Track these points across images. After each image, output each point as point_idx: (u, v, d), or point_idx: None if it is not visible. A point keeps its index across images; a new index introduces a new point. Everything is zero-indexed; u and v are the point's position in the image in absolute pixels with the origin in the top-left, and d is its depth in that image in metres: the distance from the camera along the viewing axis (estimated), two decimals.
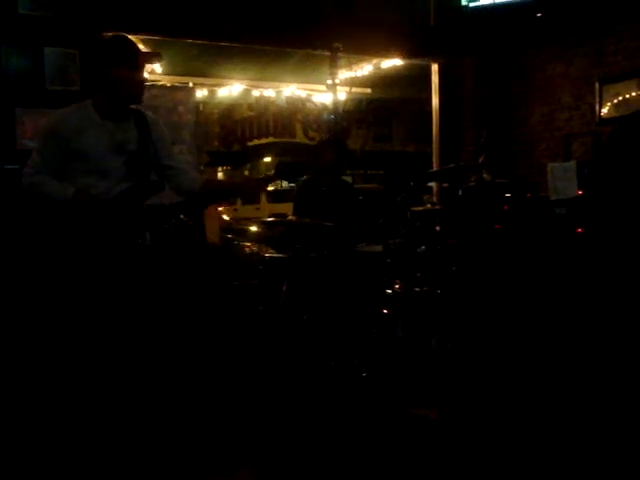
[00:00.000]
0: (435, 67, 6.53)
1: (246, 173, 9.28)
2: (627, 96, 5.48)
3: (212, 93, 7.98)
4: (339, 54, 4.66)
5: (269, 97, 8.12)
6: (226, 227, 6.19)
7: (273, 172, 3.11)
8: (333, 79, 3.30)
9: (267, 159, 8.98)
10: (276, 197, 11.74)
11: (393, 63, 6.82)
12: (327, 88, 5.07)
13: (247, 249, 5.61)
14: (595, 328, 3.53)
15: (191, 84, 6.86)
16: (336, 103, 5.62)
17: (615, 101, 5.59)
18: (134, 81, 2.84)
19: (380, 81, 7.62)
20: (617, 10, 5.45)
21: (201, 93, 7.90)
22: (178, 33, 5.68)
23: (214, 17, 5.61)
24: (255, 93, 8.12)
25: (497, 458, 2.88)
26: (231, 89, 7.95)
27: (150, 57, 3.28)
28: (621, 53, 5.51)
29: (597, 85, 5.71)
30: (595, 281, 3.83)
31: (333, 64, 3.27)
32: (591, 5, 5.49)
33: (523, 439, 2.98)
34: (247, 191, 3.50)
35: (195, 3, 5.62)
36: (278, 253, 4.23)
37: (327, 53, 4.65)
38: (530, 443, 2.95)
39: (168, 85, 6.36)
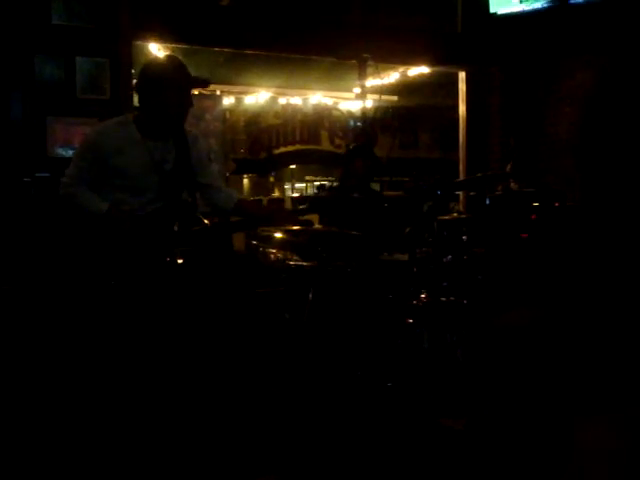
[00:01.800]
0: (462, 75, 6.50)
1: (271, 180, 9.30)
2: None
3: (239, 101, 8.04)
4: (368, 63, 4.66)
5: (295, 105, 8.15)
6: (251, 233, 6.21)
7: (306, 206, 3.14)
8: (362, 88, 3.30)
9: (292, 166, 8.99)
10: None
11: (420, 70, 6.81)
12: (355, 97, 5.07)
13: (272, 256, 5.61)
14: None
15: (218, 92, 6.92)
16: (363, 111, 5.63)
17: None
18: (180, 104, 2.85)
19: (406, 88, 7.61)
20: None
21: (228, 101, 7.97)
22: (205, 42, 5.74)
23: (240, 25, 5.66)
24: (281, 101, 8.16)
25: (522, 469, 2.85)
26: (257, 97, 8.00)
27: (198, 83, 3.25)
28: None
29: None
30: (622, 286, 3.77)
31: (362, 74, 3.27)
32: (618, 13, 5.43)
33: (545, 450, 2.95)
34: (277, 222, 3.53)
35: (222, 12, 5.68)
36: (304, 261, 4.23)
37: (354, 62, 4.66)
38: (551, 454, 2.91)
39: (195, 93, 6.43)
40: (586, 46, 5.97)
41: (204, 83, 3.35)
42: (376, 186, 8.32)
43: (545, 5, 5.59)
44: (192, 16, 5.51)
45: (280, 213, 3.34)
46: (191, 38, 5.59)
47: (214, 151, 5.90)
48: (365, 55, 3.20)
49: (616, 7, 5.37)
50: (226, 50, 6.09)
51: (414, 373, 3.41)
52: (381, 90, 7.74)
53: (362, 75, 3.31)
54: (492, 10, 5.77)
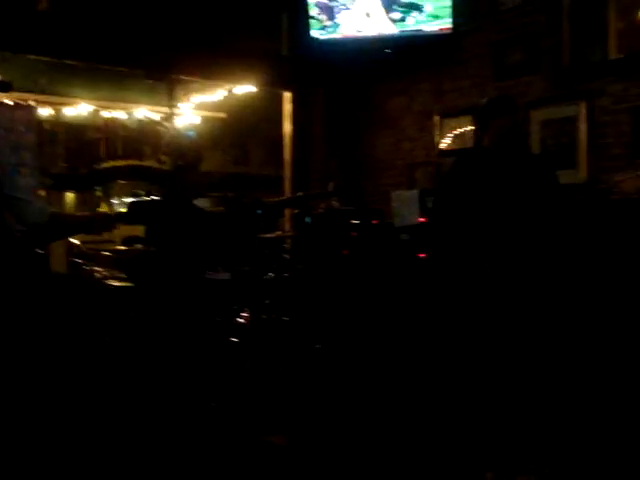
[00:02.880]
0: (287, 95, 6.66)
1: (98, 194, 8.90)
2: (463, 130, 5.90)
3: (58, 112, 7.63)
4: (189, 79, 4.61)
5: (119, 119, 7.89)
6: (74, 251, 5.88)
7: (127, 211, 3.03)
8: (171, 107, 3.27)
9: (122, 181, 8.67)
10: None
11: (247, 89, 6.88)
12: (167, 115, 4.98)
13: (98, 274, 5.37)
14: (440, 344, 3.75)
15: (33, 102, 6.49)
16: (188, 127, 5.57)
17: (453, 134, 6.00)
18: None
19: (235, 105, 7.66)
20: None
21: (46, 112, 7.53)
22: (20, 48, 5.38)
23: (60, 33, 5.37)
24: (105, 114, 7.85)
25: None
26: (78, 109, 7.64)
27: None
28: (457, 91, 5.93)
29: (437, 119, 6.10)
30: (436, 303, 4.06)
31: (170, 93, 3.24)
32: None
33: (372, 462, 3.09)
34: (97, 225, 3.37)
35: (39, 18, 5.35)
36: (126, 281, 4.09)
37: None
38: (378, 465, 3.06)
39: (6, 102, 5.97)
40: (401, 74, 6.39)
41: (3, 87, 3.11)
42: (207, 202, 8.27)
43: (350, 36, 5.90)
44: (4, 20, 5.13)
45: (98, 217, 3.18)
46: (3, 44, 5.20)
47: (25, 164, 5.52)
48: (173, 76, 3.17)
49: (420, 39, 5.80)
50: (43, 59, 5.75)
51: (237, 392, 3.42)
52: (207, 107, 7.74)
53: (170, 95, 3.28)
54: (314, 35, 5.98)
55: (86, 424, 3.49)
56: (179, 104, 5.14)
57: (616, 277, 3.75)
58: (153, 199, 7.78)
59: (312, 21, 5.96)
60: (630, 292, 3.66)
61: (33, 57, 5.66)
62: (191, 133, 8.06)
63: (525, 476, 2.81)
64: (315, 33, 5.97)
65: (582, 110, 4.96)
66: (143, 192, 8.91)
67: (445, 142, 6.07)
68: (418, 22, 5.74)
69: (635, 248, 3.73)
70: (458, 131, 5.94)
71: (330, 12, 5.96)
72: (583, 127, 4.95)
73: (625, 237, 3.83)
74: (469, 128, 5.81)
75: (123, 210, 3.08)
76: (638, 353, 3.52)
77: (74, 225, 3.36)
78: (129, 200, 8.98)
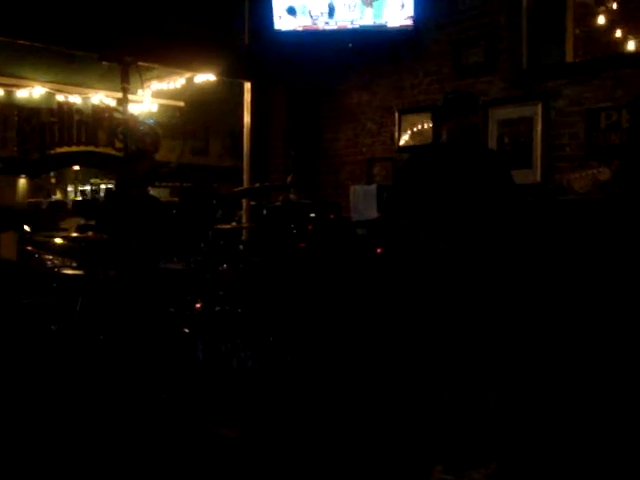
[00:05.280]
0: (248, 85, 6.59)
1: (52, 181, 8.67)
2: (422, 127, 5.94)
3: (9, 95, 7.38)
4: (145, 64, 4.49)
5: (74, 103, 7.68)
6: (26, 238, 5.72)
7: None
8: (124, 91, 3.19)
9: (76, 167, 8.45)
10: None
11: (207, 78, 6.79)
12: (118, 100, 4.83)
13: (49, 262, 5.24)
14: (395, 336, 3.77)
15: None
16: (145, 114, 5.46)
17: (412, 131, 6.03)
18: None
19: (195, 94, 7.54)
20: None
21: None
22: None
23: (10, 11, 5.19)
24: (59, 98, 7.63)
25: (296, 476, 2.95)
26: (31, 92, 7.41)
27: None
28: (417, 87, 5.96)
29: (397, 115, 6.13)
30: (391, 296, 4.08)
31: (124, 77, 3.16)
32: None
33: (322, 454, 3.08)
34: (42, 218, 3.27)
35: None
36: (77, 269, 4.00)
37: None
38: (327, 457, 3.06)
39: None
40: (362, 68, 6.39)
41: None
42: (165, 192, 8.15)
43: (318, 27, 5.87)
44: None
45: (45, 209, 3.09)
46: None
47: None
48: (128, 58, 3.10)
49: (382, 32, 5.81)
50: None
51: (189, 383, 3.37)
52: (164, 94, 7.60)
53: (125, 79, 3.19)
54: (277, 27, 5.92)
55: (29, 413, 3.40)
56: (137, 90, 5.01)
57: (564, 272, 3.84)
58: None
59: (275, 12, 5.91)
60: (575, 284, 3.76)
61: None
62: (150, 121, 7.94)
63: (473, 470, 2.84)
64: (278, 25, 5.92)
65: (538, 111, 5.04)
66: (101, 181, 8.74)
67: (404, 138, 6.09)
68: (378, 16, 5.75)
69: (580, 245, 3.83)
70: (418, 127, 5.97)
71: (294, 5, 5.91)
72: (539, 127, 5.04)
73: (572, 235, 3.92)
74: (428, 125, 5.86)
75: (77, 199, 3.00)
76: (582, 345, 3.61)
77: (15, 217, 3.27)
78: (85, 188, 8.82)
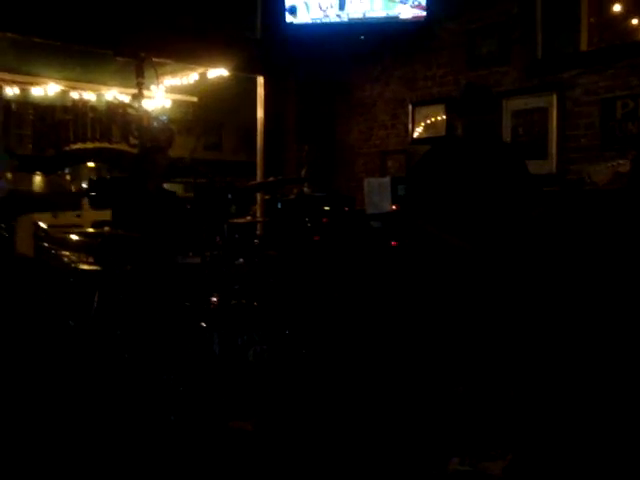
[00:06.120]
0: (261, 80, 6.60)
1: (67, 178, 8.73)
2: (435, 119, 5.91)
3: (25, 92, 7.44)
4: (159, 60, 4.51)
5: (88, 100, 7.73)
6: (43, 235, 5.77)
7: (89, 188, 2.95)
8: (139, 86, 3.20)
9: (91, 164, 8.50)
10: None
11: (220, 73, 6.80)
12: (133, 96, 4.86)
13: (65, 259, 5.28)
14: (411, 329, 3.76)
15: None
16: (159, 110, 5.48)
17: (425, 123, 6.01)
18: None
19: (209, 89, 7.57)
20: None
21: (12, 91, 7.35)
22: None
23: (26, 9, 5.23)
24: (73, 95, 7.68)
25: (312, 468, 2.96)
26: (46, 89, 7.46)
27: None
28: (430, 79, 5.93)
29: (410, 107, 6.10)
30: (407, 288, 4.07)
31: (139, 72, 3.17)
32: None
33: (338, 447, 3.09)
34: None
35: None
36: (94, 265, 4.03)
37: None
38: (344, 450, 3.07)
39: None
40: (375, 60, 6.37)
41: None
42: (179, 187, 8.18)
43: (329, 20, 5.85)
44: None
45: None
46: None
47: None
48: (142, 54, 3.11)
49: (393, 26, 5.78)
50: (9, 35, 5.58)
51: (205, 376, 3.39)
52: (178, 90, 7.62)
53: (140, 74, 3.21)
54: (288, 20, 5.92)
55: (48, 407, 3.44)
56: (150, 86, 5.03)
57: (592, 264, 3.81)
58: (118, 177, 7.67)
59: (287, 6, 5.90)
60: (604, 279, 3.73)
61: None
62: (163, 117, 7.96)
63: (490, 462, 2.84)
64: (290, 18, 5.91)
65: (553, 101, 5.00)
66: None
67: (418, 130, 6.07)
68: (390, 7, 5.72)
69: (607, 235, 3.79)
70: (431, 119, 5.95)
71: None
72: (554, 118, 4.99)
73: (598, 226, 3.88)
74: (442, 117, 5.83)
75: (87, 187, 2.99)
76: (606, 339, 3.58)
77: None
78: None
